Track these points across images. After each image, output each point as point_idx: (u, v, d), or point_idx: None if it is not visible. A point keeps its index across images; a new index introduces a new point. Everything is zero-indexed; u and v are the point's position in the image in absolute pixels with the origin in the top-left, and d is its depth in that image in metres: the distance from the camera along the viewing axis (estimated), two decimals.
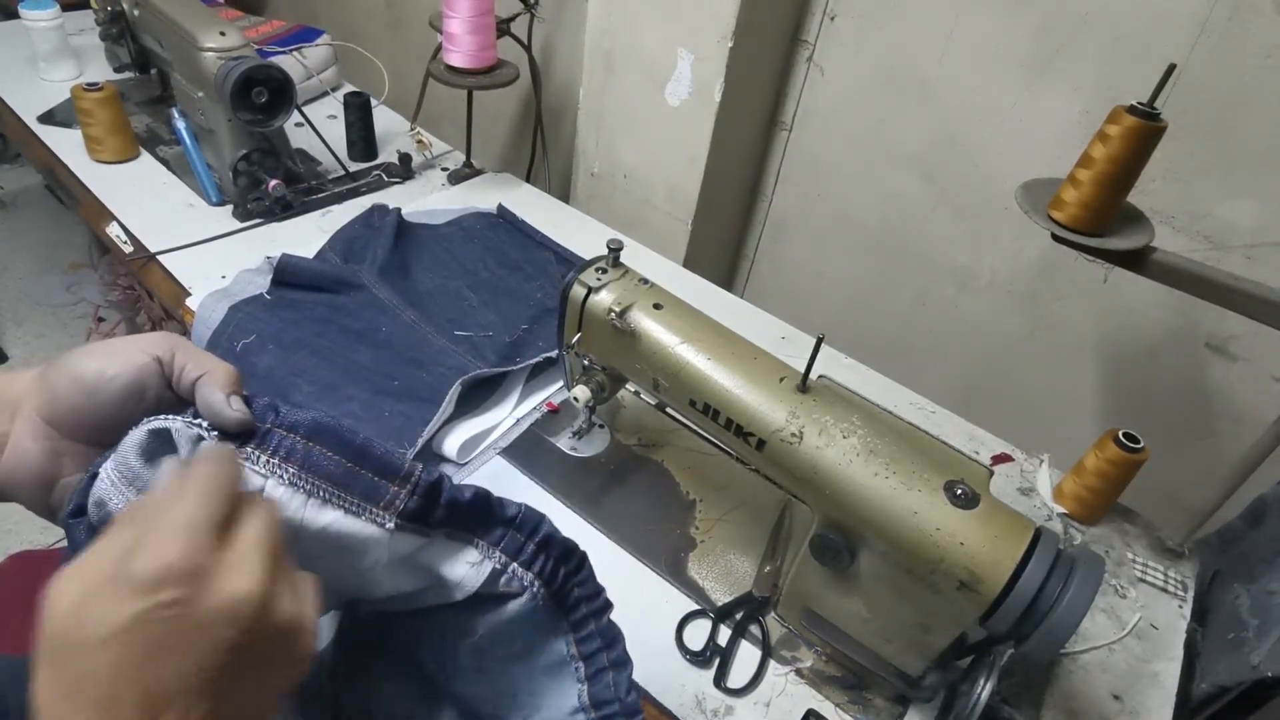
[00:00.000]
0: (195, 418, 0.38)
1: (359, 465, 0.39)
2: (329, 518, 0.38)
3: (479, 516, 0.43)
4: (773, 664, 0.71)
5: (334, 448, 0.39)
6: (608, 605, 0.48)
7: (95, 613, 0.29)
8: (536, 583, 0.44)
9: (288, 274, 0.99)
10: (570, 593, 0.46)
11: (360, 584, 0.42)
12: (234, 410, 0.38)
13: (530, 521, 0.45)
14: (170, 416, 0.38)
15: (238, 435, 0.38)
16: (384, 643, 0.47)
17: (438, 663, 0.48)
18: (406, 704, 0.48)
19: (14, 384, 0.41)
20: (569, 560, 0.46)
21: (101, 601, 0.29)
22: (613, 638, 0.47)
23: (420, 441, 0.80)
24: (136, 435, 0.37)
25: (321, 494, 0.38)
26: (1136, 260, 0.71)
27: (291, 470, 0.38)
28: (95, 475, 0.36)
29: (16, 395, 0.40)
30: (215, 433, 0.38)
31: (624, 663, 0.47)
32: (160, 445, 0.38)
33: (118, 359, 0.39)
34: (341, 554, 0.39)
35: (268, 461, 0.38)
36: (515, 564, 0.44)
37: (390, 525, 0.40)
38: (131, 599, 0.29)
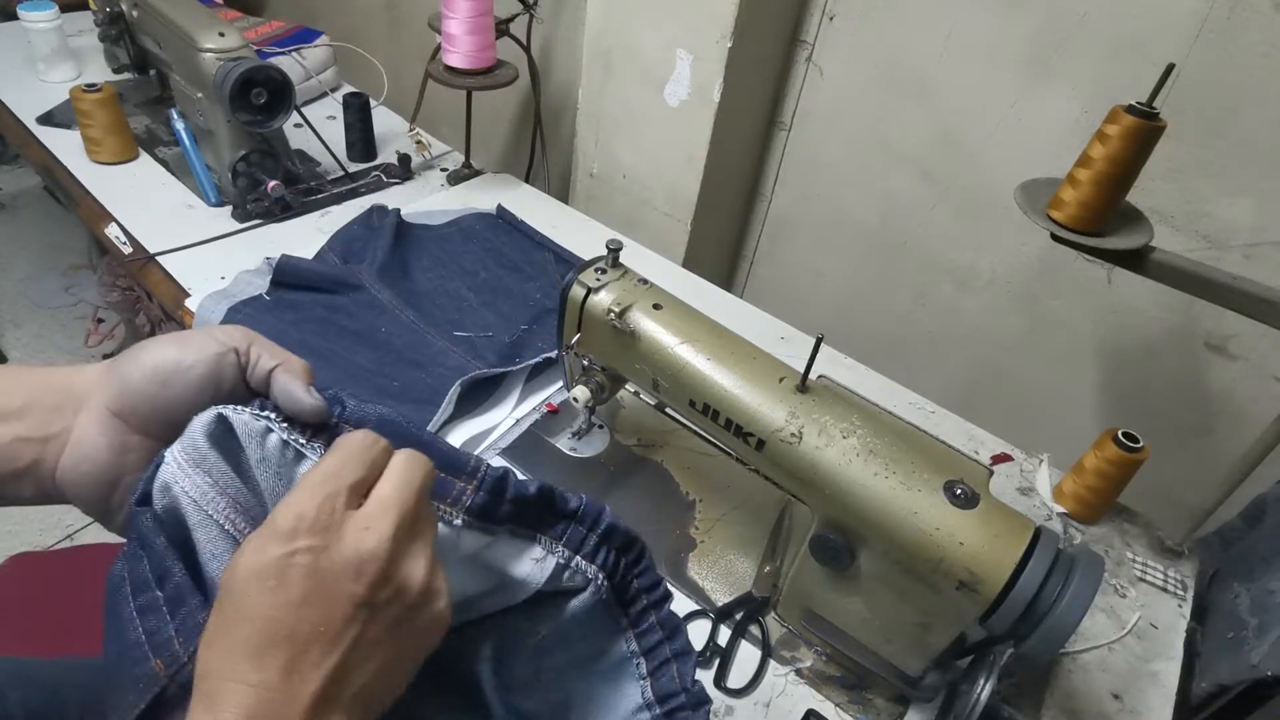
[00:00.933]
0: (263, 409, 0.38)
1: None
2: None
3: (543, 511, 0.43)
4: (773, 664, 0.71)
5: (399, 443, 0.38)
6: (668, 595, 0.47)
7: (246, 558, 0.32)
8: (600, 575, 0.44)
9: (287, 275, 0.99)
10: (630, 584, 0.45)
11: None
12: (312, 399, 0.39)
13: (592, 513, 0.44)
14: (239, 407, 0.38)
15: (309, 426, 0.39)
16: (433, 658, 0.46)
17: (494, 674, 0.46)
18: None
19: (78, 376, 0.40)
20: (630, 550, 0.45)
21: (252, 548, 0.32)
22: (674, 628, 0.46)
23: None
24: (205, 418, 0.37)
25: None
26: (1136, 260, 0.71)
27: None
28: (161, 461, 0.36)
29: (82, 388, 0.39)
30: (285, 424, 0.38)
31: (687, 653, 0.46)
32: (227, 433, 0.37)
33: (193, 348, 0.39)
34: None
35: None
36: (578, 557, 0.43)
37: (458, 522, 0.40)
38: (273, 545, 0.32)
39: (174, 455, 0.36)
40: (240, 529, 0.37)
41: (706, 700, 0.45)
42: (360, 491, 0.35)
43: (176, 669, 0.34)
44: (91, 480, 0.39)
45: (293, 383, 0.39)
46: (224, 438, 0.37)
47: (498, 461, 0.86)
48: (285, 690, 0.31)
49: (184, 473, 0.36)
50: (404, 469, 0.36)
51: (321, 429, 0.39)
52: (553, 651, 0.45)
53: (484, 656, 0.45)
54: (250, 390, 0.40)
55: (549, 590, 0.43)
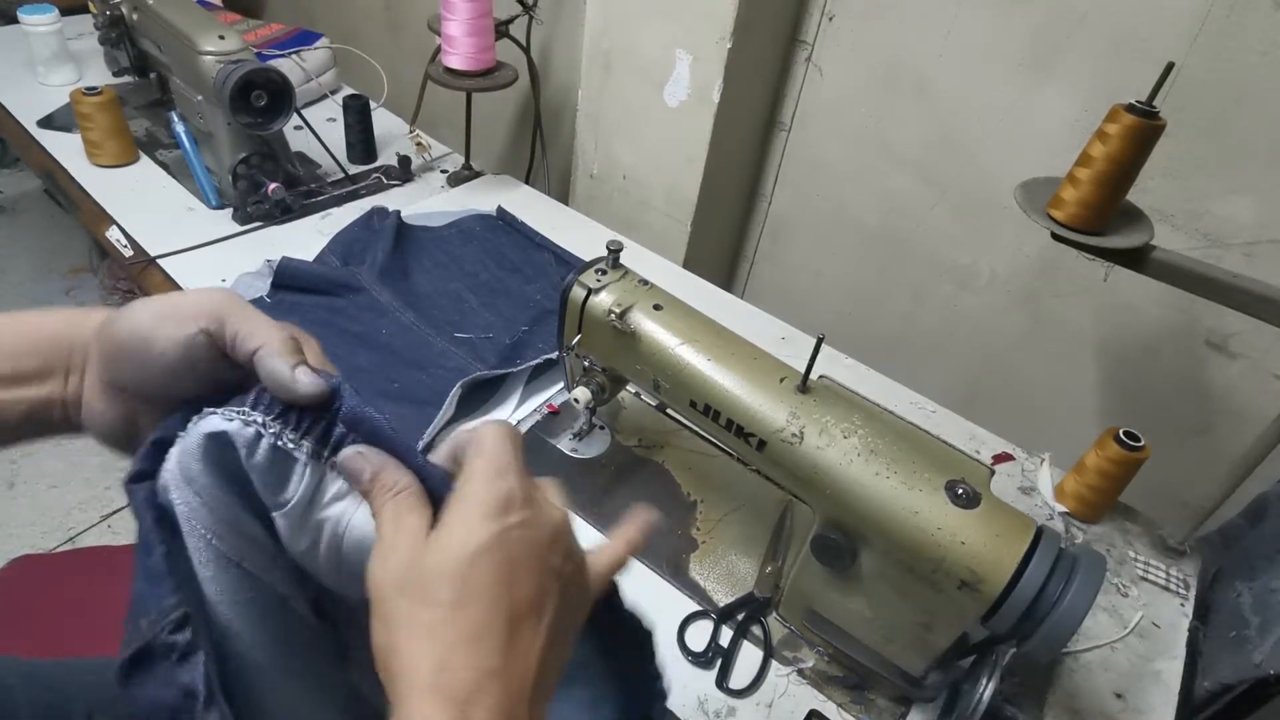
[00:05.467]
0: (254, 407, 0.36)
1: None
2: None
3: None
4: (775, 664, 0.71)
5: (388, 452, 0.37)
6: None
7: (460, 535, 0.33)
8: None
9: (287, 277, 0.99)
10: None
11: None
12: (302, 384, 0.35)
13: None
14: (231, 412, 0.36)
15: (304, 415, 0.36)
16: None
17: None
18: None
19: (79, 331, 0.39)
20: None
21: (466, 526, 0.33)
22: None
23: (421, 444, 0.80)
24: (194, 438, 0.35)
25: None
26: (1136, 258, 0.71)
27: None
28: (159, 444, 0.36)
29: (84, 342, 0.39)
30: (275, 424, 0.36)
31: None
32: (225, 445, 0.36)
33: (164, 331, 0.36)
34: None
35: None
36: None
37: None
38: (491, 520, 0.33)
39: (172, 463, 0.35)
40: (227, 543, 0.36)
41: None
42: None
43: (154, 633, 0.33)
44: (112, 439, 0.40)
45: (277, 366, 0.35)
46: (220, 450, 0.36)
47: None
48: (509, 669, 0.32)
49: (178, 488, 0.35)
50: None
51: (316, 423, 0.36)
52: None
53: None
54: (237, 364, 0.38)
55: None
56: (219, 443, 0.36)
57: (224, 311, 0.37)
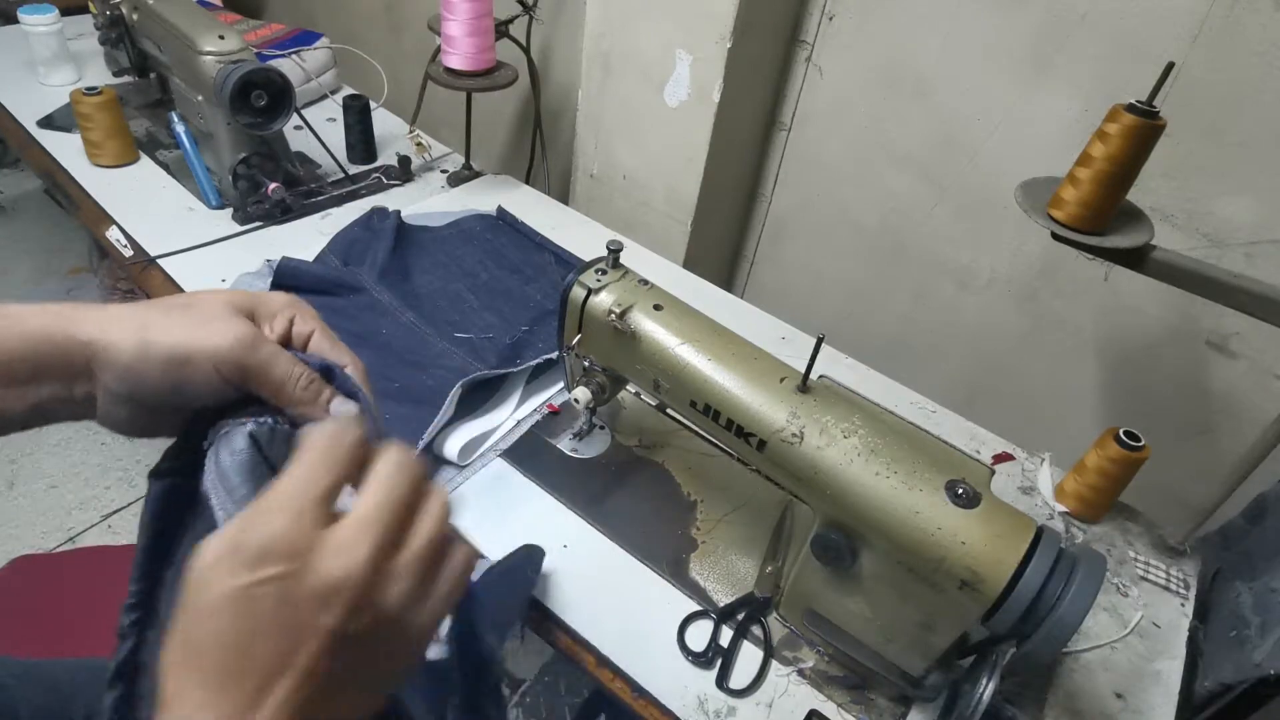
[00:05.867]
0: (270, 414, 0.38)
1: None
2: None
3: None
4: (775, 664, 0.71)
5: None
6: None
7: (211, 581, 0.29)
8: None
9: (287, 277, 0.99)
10: None
11: None
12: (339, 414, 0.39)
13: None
14: (259, 420, 0.37)
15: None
16: None
17: None
18: None
19: (75, 328, 0.36)
20: None
21: (217, 571, 0.29)
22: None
23: (421, 444, 0.80)
24: (228, 449, 0.36)
25: None
26: (1136, 258, 0.71)
27: None
28: (185, 444, 0.37)
29: (81, 347, 0.36)
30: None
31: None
32: (251, 452, 0.37)
33: (187, 376, 0.36)
34: None
35: None
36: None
37: None
38: (240, 571, 0.29)
39: (209, 475, 0.36)
40: None
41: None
42: (333, 497, 0.32)
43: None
44: (129, 429, 0.39)
45: (315, 421, 0.38)
46: (250, 454, 0.37)
47: (499, 463, 0.86)
48: None
49: (213, 490, 0.35)
50: (388, 476, 0.33)
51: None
52: None
53: None
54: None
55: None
56: (252, 443, 0.36)
57: (244, 362, 0.37)
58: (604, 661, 0.69)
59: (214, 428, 0.37)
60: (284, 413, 0.38)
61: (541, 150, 1.53)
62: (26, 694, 0.57)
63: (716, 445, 0.91)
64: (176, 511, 0.37)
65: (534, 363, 0.94)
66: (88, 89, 1.16)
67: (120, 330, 0.36)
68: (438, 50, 1.22)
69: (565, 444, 0.89)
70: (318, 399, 0.38)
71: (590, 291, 0.74)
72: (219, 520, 0.35)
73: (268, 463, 0.37)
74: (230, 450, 0.36)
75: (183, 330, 0.37)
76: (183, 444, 0.38)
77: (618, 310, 0.72)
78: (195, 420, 0.38)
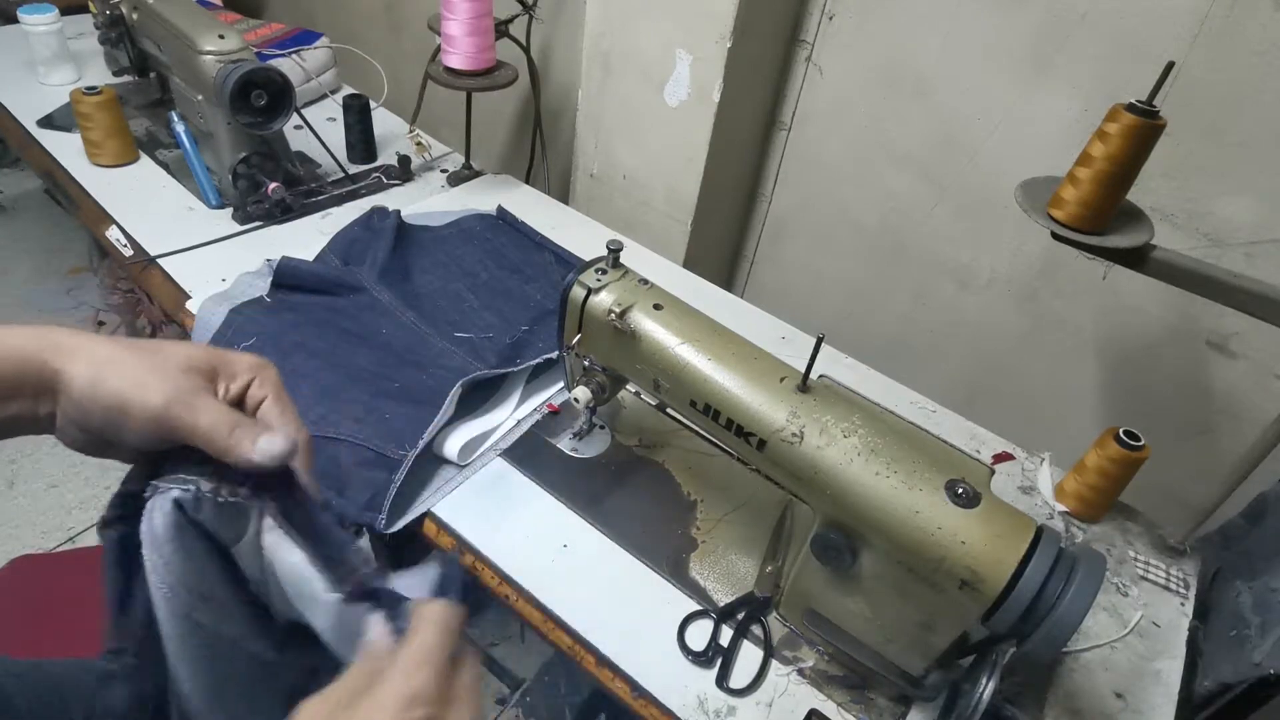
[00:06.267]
0: (199, 474, 0.40)
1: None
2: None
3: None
4: (775, 664, 0.71)
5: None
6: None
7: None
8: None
9: (287, 277, 0.99)
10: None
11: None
12: (262, 456, 0.40)
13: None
14: (181, 484, 0.40)
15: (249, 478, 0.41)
16: None
17: None
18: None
19: (45, 352, 0.39)
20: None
21: (373, 715, 0.34)
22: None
23: (420, 445, 0.80)
24: (157, 508, 0.39)
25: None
26: (1136, 258, 0.71)
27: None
28: (126, 495, 0.40)
29: (51, 373, 0.39)
30: (219, 488, 0.40)
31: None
32: (179, 513, 0.40)
33: (126, 426, 0.39)
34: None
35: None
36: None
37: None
38: (389, 715, 0.34)
39: (144, 526, 0.39)
40: (179, 598, 0.41)
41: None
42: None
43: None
44: (84, 449, 0.41)
45: (242, 460, 0.40)
46: (177, 515, 0.40)
47: (499, 463, 0.86)
48: None
49: (145, 544, 0.40)
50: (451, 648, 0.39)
51: (249, 476, 0.41)
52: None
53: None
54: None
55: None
56: (177, 509, 0.40)
57: (174, 423, 0.39)
58: (604, 661, 0.69)
59: (154, 477, 0.40)
60: (216, 464, 0.41)
61: (541, 150, 1.53)
62: (27, 694, 0.57)
63: (716, 445, 0.91)
64: (132, 556, 0.41)
65: (534, 362, 0.94)
66: (88, 89, 1.16)
67: (80, 365, 0.39)
68: (438, 50, 1.22)
69: (565, 444, 0.89)
70: (241, 446, 0.40)
71: (590, 291, 0.74)
72: (147, 570, 0.40)
73: (196, 526, 0.40)
74: (161, 511, 0.39)
75: (130, 379, 0.39)
76: (125, 491, 0.41)
77: (618, 310, 0.72)
78: (139, 466, 0.42)
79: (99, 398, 0.38)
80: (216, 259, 1.07)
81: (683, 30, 1.16)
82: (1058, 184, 0.71)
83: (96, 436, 0.40)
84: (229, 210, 1.16)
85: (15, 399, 0.39)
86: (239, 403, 0.43)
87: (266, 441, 0.40)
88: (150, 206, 1.16)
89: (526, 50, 1.38)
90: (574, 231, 1.24)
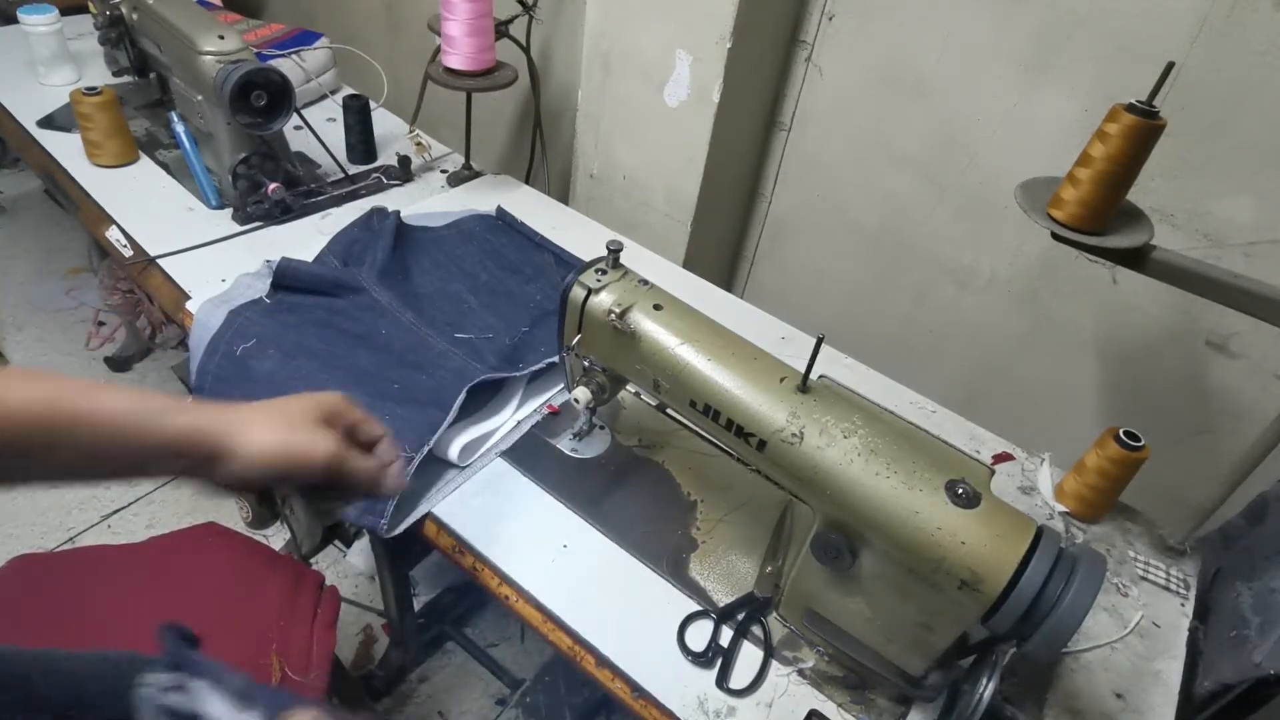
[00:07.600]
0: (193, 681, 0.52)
1: None
2: None
3: None
4: (775, 664, 0.71)
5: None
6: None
7: None
8: None
9: (287, 277, 0.99)
10: None
11: None
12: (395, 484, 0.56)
13: None
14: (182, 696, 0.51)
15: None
16: None
17: None
18: None
19: (217, 426, 0.48)
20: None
21: None
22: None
23: (425, 449, 0.80)
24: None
25: None
26: (1136, 258, 0.71)
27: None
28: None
29: (227, 445, 0.48)
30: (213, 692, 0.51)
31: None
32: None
33: (297, 475, 0.50)
34: None
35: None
36: None
37: None
38: None
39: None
40: None
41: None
42: None
43: None
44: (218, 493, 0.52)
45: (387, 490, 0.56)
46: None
47: (499, 464, 0.86)
48: None
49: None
50: None
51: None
52: None
53: None
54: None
55: None
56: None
57: (336, 469, 0.51)
58: (604, 662, 0.69)
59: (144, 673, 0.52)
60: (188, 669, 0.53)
61: (541, 150, 1.53)
62: (49, 682, 0.59)
63: (716, 445, 0.91)
64: None
65: (535, 368, 0.94)
66: (88, 89, 1.16)
67: (252, 434, 0.49)
68: (438, 50, 1.22)
69: (565, 444, 0.89)
70: (391, 483, 0.56)
71: (590, 291, 0.74)
72: None
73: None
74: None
75: (299, 440, 0.50)
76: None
77: (618, 310, 0.72)
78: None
79: (273, 461, 0.49)
80: (216, 259, 1.07)
81: (683, 31, 1.16)
82: (1058, 184, 0.71)
83: (237, 484, 0.50)
84: (229, 210, 1.16)
85: (186, 457, 0.48)
86: (350, 436, 0.55)
87: (398, 474, 0.56)
88: (150, 207, 1.16)
89: (526, 50, 1.38)
90: (574, 232, 1.24)
